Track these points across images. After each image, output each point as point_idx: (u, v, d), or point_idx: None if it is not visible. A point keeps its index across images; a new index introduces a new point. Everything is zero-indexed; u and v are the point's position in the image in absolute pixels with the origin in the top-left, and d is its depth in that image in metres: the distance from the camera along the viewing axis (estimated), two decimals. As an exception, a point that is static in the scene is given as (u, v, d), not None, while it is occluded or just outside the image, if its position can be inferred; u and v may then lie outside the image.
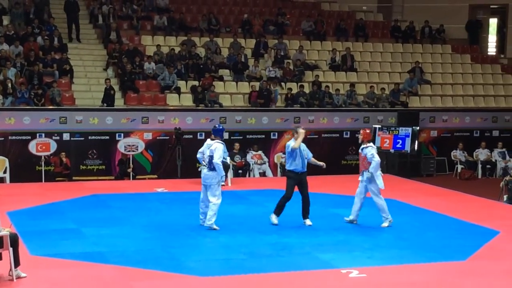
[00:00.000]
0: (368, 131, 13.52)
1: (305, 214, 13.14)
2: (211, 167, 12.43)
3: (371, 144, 13.21)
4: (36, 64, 21.11)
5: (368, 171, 12.94)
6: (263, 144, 21.16)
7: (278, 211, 13.04)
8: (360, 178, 13.28)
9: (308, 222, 13.08)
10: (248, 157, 20.36)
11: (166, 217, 13.59)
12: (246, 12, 26.69)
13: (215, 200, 12.49)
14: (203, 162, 12.74)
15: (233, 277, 9.82)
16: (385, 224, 13.10)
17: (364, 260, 10.71)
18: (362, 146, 13.15)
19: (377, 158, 12.87)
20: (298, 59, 24.46)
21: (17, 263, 9.50)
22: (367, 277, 9.91)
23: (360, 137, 13.24)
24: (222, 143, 12.57)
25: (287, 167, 13.22)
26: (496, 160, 22.52)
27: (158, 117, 20.66)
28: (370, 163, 12.89)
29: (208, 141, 12.72)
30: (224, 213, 13.91)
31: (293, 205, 13.75)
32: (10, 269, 9.46)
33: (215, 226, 12.50)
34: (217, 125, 13.25)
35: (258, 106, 22.10)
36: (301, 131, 12.87)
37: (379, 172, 12.95)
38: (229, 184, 17.42)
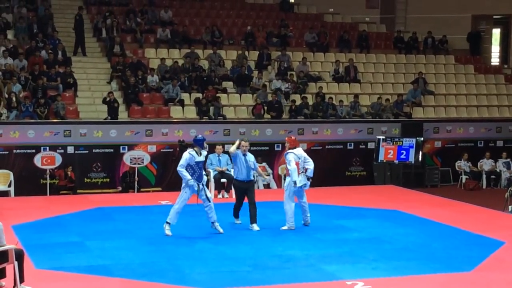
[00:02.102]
0: (293, 137, 14.29)
1: (253, 219, 13.62)
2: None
3: (293, 151, 13.63)
4: (41, 78, 21.18)
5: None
6: (267, 156, 21.16)
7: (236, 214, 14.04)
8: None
9: (255, 227, 13.54)
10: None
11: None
12: (249, 24, 26.76)
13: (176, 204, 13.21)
14: None
15: (238, 290, 9.81)
16: (284, 227, 13.45)
17: (369, 271, 10.69)
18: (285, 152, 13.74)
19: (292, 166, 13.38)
20: (302, 70, 24.50)
21: (21, 279, 9.50)
22: (373, 289, 9.89)
23: (287, 144, 13.77)
24: (191, 153, 12.92)
25: (234, 176, 14.18)
26: (500, 171, 22.48)
27: (162, 130, 20.69)
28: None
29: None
30: (229, 225, 13.94)
31: (296, 218, 13.75)
32: (15, 284, 9.45)
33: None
34: (198, 136, 13.53)
35: (261, 118, 22.11)
36: (240, 141, 13.77)
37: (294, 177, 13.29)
38: (233, 196, 17.39)
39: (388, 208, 15.89)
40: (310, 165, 13.67)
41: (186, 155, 12.92)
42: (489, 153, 22.75)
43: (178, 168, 12.95)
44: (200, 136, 13.42)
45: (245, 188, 13.77)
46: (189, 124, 21.13)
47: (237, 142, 13.80)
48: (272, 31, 26.60)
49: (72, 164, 19.49)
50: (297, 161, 13.54)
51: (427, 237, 13.17)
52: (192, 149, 13.00)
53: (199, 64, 23.79)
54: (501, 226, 14.26)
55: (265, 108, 22.44)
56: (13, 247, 9.45)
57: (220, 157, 17.82)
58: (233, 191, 17.48)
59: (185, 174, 12.92)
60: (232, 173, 17.55)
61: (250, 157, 13.77)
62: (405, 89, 25.12)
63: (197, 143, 13.10)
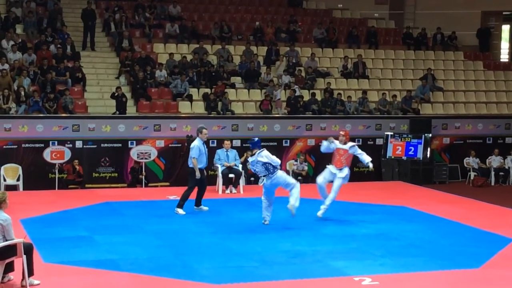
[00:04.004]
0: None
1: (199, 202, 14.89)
2: (271, 172, 13.29)
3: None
4: (49, 72, 21.23)
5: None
6: (275, 152, 20.88)
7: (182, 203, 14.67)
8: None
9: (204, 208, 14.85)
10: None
11: (178, 225, 13.60)
12: (258, 20, 26.74)
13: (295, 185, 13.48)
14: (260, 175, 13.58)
15: (245, 285, 9.81)
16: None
17: (376, 267, 10.68)
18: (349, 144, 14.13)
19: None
20: (310, 66, 24.47)
21: (30, 272, 9.53)
22: (380, 285, 9.88)
23: (343, 138, 14.12)
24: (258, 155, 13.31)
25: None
26: (509, 167, 22.43)
27: (170, 125, 20.71)
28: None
29: (250, 159, 13.63)
30: (237, 220, 13.96)
31: (303, 213, 13.76)
32: (23, 278, 9.49)
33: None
34: (254, 138, 13.89)
35: (269, 113, 22.11)
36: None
37: None
38: (241, 192, 17.44)
39: (396, 204, 15.87)
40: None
41: (265, 153, 13.21)
42: (497, 149, 22.70)
43: (277, 161, 13.23)
44: (256, 138, 13.75)
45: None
46: (197, 119, 21.12)
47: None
48: (281, 26, 26.57)
49: (81, 158, 19.54)
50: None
51: (435, 233, 13.15)
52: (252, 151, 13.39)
53: (207, 59, 23.79)
54: (509, 223, 14.22)
55: (273, 104, 22.41)
56: (21, 241, 9.49)
57: (228, 153, 17.85)
58: (241, 186, 17.58)
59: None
60: (240, 168, 17.63)
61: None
62: (414, 85, 25.07)
63: (255, 146, 13.35)
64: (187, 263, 10.87)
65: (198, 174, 14.41)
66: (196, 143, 14.58)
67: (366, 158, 14.05)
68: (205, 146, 14.73)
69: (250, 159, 13.53)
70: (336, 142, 14.16)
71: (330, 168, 14.17)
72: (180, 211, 14.58)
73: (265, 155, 13.11)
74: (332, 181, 14.12)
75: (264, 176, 13.18)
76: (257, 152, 13.24)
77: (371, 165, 14.13)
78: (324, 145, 14.27)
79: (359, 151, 14.18)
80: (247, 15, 27.64)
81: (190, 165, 14.59)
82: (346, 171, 14.07)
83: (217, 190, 17.51)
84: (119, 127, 20.26)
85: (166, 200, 16.40)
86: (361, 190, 17.86)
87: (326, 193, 14.14)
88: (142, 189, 18.93)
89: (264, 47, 25.33)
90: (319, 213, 13.99)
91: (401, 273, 10.49)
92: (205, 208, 14.91)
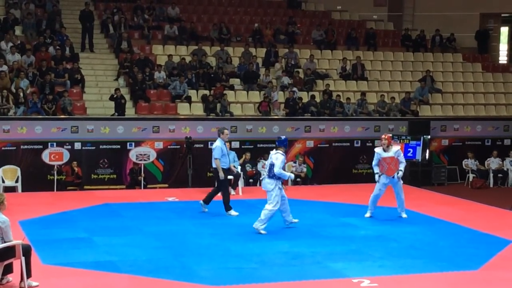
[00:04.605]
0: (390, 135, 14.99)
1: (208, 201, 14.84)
2: (270, 174, 12.96)
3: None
4: (48, 74, 21.22)
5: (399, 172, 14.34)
6: (274, 153, 21.10)
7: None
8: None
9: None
10: (259, 166, 20.34)
11: (177, 226, 13.60)
12: (257, 22, 26.73)
13: (269, 207, 12.96)
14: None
15: (244, 286, 9.81)
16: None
17: (375, 269, 10.69)
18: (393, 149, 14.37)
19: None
20: (309, 68, 24.48)
21: (29, 274, 9.52)
22: (379, 287, 9.88)
23: (386, 142, 14.34)
24: (283, 154, 13.07)
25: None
26: (508, 169, 22.44)
27: (169, 126, 20.70)
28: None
29: (272, 152, 13.28)
30: (235, 222, 13.97)
31: (303, 215, 13.76)
32: (22, 280, 9.48)
33: (262, 231, 12.91)
34: (281, 137, 13.68)
35: (268, 115, 22.12)
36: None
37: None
38: (240, 193, 17.43)
39: (395, 206, 15.85)
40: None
41: (281, 156, 12.99)
42: (496, 151, 22.71)
43: (279, 170, 12.85)
44: (283, 137, 13.63)
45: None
46: (196, 121, 21.14)
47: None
48: (280, 28, 26.59)
49: (79, 160, 19.53)
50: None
51: (434, 235, 13.16)
52: (280, 151, 13.13)
53: (206, 61, 23.80)
54: (508, 224, 14.24)
55: (271, 106, 22.42)
56: (20, 243, 9.49)
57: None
58: (240, 187, 17.57)
59: (286, 173, 13.23)
60: (239, 169, 17.62)
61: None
62: (413, 87, 25.07)
63: (281, 144, 13.25)
64: (186, 264, 10.87)
65: (221, 175, 14.41)
66: (218, 144, 14.56)
67: (402, 168, 14.30)
68: (227, 147, 14.72)
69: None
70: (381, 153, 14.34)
71: (382, 179, 14.39)
72: (232, 212, 14.65)
73: (276, 158, 12.96)
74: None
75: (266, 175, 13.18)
76: (275, 151, 13.14)
77: (400, 173, 14.37)
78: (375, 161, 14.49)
79: (402, 158, 14.46)
80: (246, 16, 27.65)
81: (214, 166, 14.62)
82: (400, 174, 14.36)
83: (216, 191, 17.50)
84: (118, 128, 20.25)
85: (165, 202, 16.40)
86: (360, 192, 17.83)
87: (376, 205, 14.53)
88: (141, 191, 18.92)
89: (263, 49, 25.33)
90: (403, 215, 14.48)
91: (400, 274, 10.50)
92: (205, 209, 14.91)
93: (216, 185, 14.97)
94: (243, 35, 26.09)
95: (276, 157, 12.95)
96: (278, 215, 13.80)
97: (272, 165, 12.98)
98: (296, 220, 13.62)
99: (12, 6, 24.25)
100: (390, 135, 15.26)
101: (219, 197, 14.89)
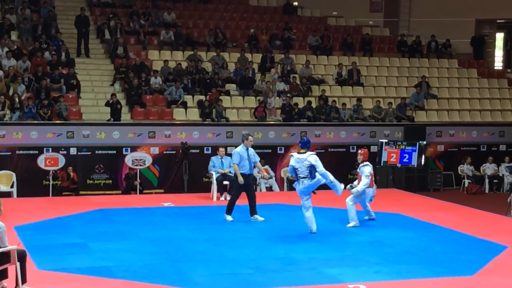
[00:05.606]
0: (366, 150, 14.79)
1: (253, 211, 14.46)
2: (313, 176, 12.98)
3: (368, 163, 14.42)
4: (44, 79, 21.21)
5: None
6: (270, 159, 21.15)
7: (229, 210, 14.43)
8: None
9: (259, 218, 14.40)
10: (255, 171, 20.33)
11: (172, 232, 13.57)
12: (253, 27, 26.78)
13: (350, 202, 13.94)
14: (300, 175, 13.14)
15: (239, 292, 9.80)
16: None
17: (371, 275, 10.67)
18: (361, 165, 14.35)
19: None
20: (305, 74, 24.49)
21: (24, 280, 9.49)
22: (374, 292, 9.88)
23: (361, 157, 14.36)
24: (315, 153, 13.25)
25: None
26: (503, 175, 22.48)
27: (165, 132, 20.71)
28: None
29: (296, 154, 13.19)
30: (230, 227, 13.94)
31: (298, 220, 13.74)
32: (17, 285, 9.45)
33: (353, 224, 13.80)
34: (304, 138, 13.88)
35: (264, 120, 22.13)
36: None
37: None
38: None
39: (390, 211, 15.87)
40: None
41: (317, 156, 13.09)
42: (492, 157, 22.77)
43: (322, 170, 13.01)
44: (306, 138, 13.83)
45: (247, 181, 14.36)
46: (192, 126, 21.15)
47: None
48: (276, 33, 26.62)
49: (75, 165, 19.51)
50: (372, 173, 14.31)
51: (429, 241, 13.15)
52: (311, 152, 13.22)
53: (202, 66, 23.82)
54: (503, 230, 14.23)
55: (266, 112, 22.44)
56: (15, 248, 9.46)
57: (222, 160, 17.82)
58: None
59: (330, 175, 13.26)
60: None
61: (252, 151, 14.53)
62: (408, 92, 25.12)
63: (305, 146, 13.26)
64: (181, 270, 10.84)
65: (240, 179, 14.29)
66: (237, 149, 14.51)
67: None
68: (249, 152, 14.44)
69: (296, 156, 13.19)
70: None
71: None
72: (228, 217, 14.47)
73: (315, 159, 13.01)
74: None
75: (303, 178, 13.07)
76: (308, 153, 13.09)
77: (350, 187, 14.26)
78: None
79: (365, 177, 14.24)
80: (242, 22, 27.68)
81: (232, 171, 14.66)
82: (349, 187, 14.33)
83: (211, 197, 17.50)
84: (113, 134, 20.25)
85: (161, 207, 16.37)
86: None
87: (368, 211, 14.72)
88: (136, 196, 18.90)
89: (259, 54, 25.37)
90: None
91: (396, 280, 10.48)
92: (261, 218, 14.46)
93: (233, 191, 14.96)
94: (239, 41, 26.12)
95: (315, 158, 12.97)
96: (274, 220, 13.79)
97: (312, 167, 12.94)
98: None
99: (8, 11, 24.26)
100: (367, 150, 14.93)
101: (223, 202, 14.92)
